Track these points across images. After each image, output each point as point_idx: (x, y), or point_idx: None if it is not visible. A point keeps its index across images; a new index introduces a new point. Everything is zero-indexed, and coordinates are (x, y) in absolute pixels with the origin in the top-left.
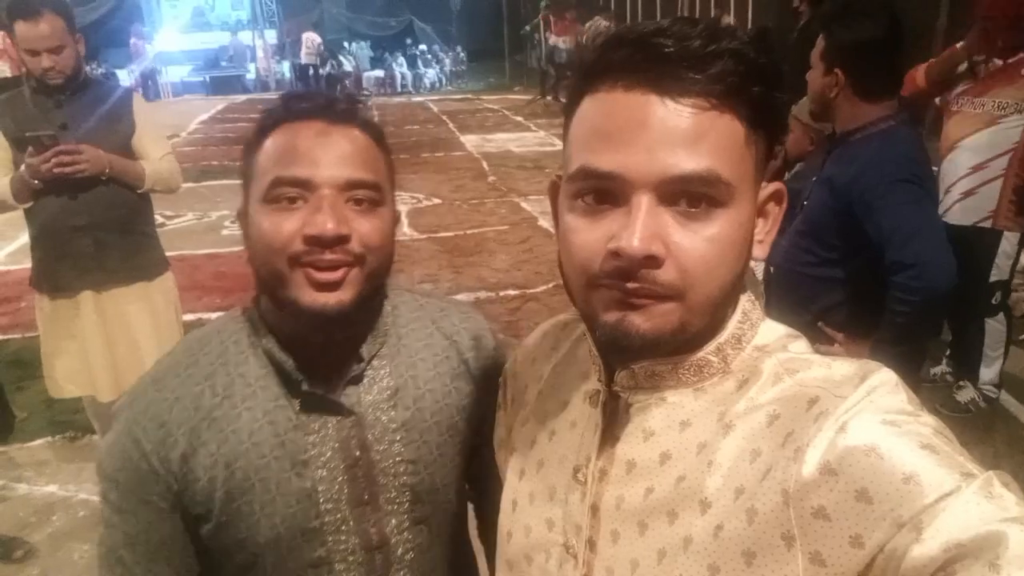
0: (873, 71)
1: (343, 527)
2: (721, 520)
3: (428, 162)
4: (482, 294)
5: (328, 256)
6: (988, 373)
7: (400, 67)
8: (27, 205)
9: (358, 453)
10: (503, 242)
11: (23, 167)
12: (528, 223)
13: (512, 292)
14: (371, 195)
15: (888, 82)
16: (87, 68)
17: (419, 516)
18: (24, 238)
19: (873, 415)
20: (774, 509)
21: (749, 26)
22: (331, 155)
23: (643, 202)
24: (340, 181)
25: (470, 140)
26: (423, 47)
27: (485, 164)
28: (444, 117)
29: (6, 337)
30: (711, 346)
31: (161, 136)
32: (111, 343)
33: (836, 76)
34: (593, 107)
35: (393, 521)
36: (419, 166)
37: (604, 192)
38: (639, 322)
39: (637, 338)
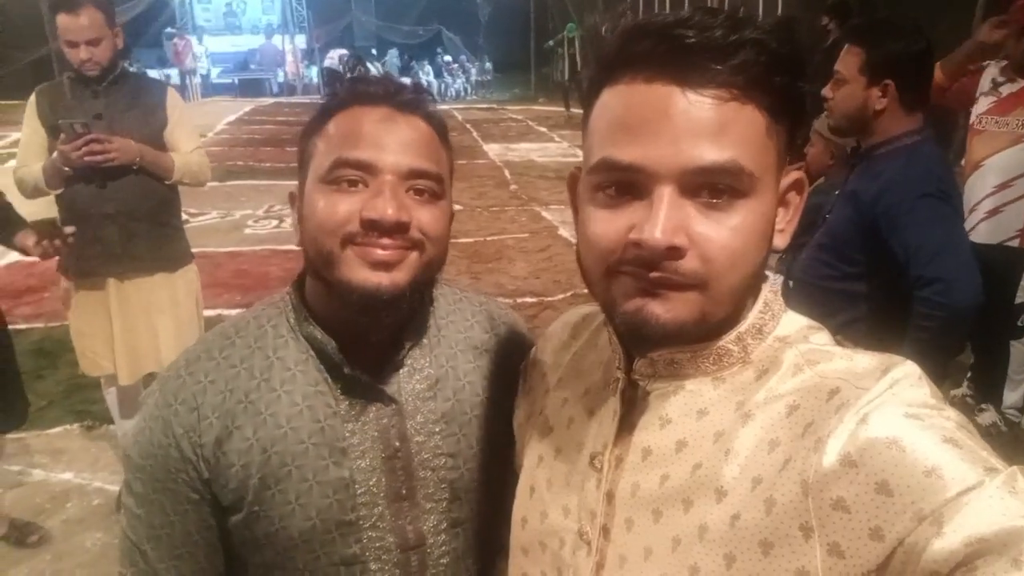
0: (922, 81)
1: (379, 523)
2: (738, 509)
3: None
4: (500, 301)
5: (385, 241)
6: (1012, 396)
7: (427, 76)
8: (58, 191)
9: (397, 444)
10: (523, 250)
11: (55, 153)
12: (548, 232)
13: (530, 300)
14: (432, 186)
15: (928, 92)
16: (124, 63)
17: (456, 517)
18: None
19: (896, 407)
20: (793, 500)
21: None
22: (396, 142)
23: (665, 194)
24: (403, 168)
25: (493, 149)
26: (450, 57)
27: (507, 173)
28: (468, 126)
29: (29, 326)
30: (731, 335)
31: (193, 131)
32: (131, 329)
33: (887, 87)
34: (614, 99)
35: (431, 520)
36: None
37: (626, 184)
38: (660, 311)
39: (657, 327)
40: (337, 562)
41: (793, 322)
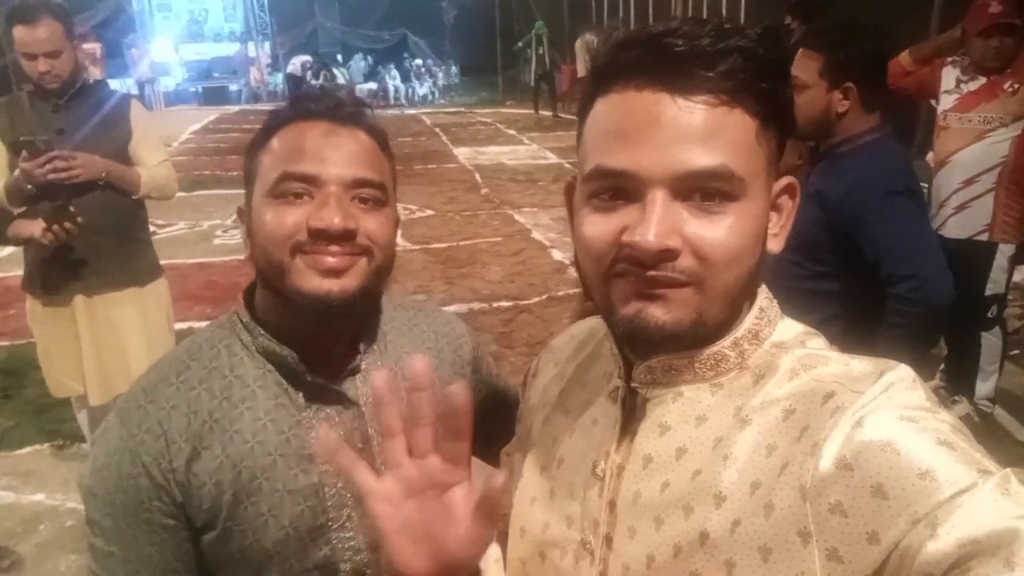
0: (881, 80)
1: (348, 524)
2: (738, 515)
3: (421, 174)
4: (475, 305)
5: (333, 248)
6: (984, 388)
7: (393, 80)
8: (21, 210)
9: (360, 445)
10: (496, 254)
11: (17, 171)
12: (521, 235)
13: (505, 304)
14: (376, 194)
15: (887, 90)
16: (84, 75)
17: None
18: (12, 247)
19: (890, 411)
20: (791, 504)
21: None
22: (339, 154)
23: (657, 197)
24: (347, 179)
25: (463, 153)
26: (417, 61)
27: (478, 176)
28: (437, 130)
29: None
30: (727, 340)
31: (159, 143)
32: (101, 348)
33: (848, 90)
34: (606, 108)
35: None
36: (412, 178)
37: (619, 190)
38: (658, 314)
39: (656, 330)
40: (310, 568)
41: (789, 328)
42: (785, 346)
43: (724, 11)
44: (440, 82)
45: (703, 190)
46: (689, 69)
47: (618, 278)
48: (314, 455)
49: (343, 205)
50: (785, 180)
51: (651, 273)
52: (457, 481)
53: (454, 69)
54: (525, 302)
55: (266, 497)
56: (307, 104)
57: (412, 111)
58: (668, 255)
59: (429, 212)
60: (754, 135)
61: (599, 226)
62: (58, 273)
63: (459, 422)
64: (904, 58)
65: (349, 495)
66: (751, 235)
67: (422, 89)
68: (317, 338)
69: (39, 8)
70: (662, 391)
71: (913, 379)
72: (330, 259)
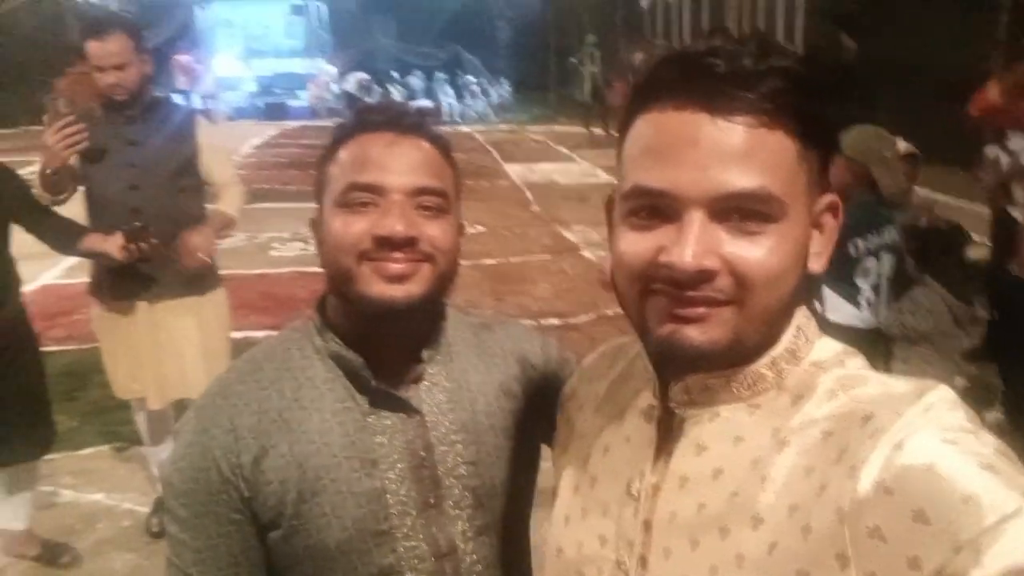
0: None
1: (412, 532)
2: (776, 537)
3: (472, 190)
4: (524, 322)
5: (397, 255)
6: None
7: (447, 97)
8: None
9: (423, 453)
10: (545, 271)
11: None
12: (571, 253)
13: (554, 321)
14: (438, 202)
15: None
16: (152, 89)
17: (481, 525)
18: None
19: (931, 433)
20: (829, 527)
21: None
22: (401, 163)
23: (695, 218)
24: (409, 187)
25: (514, 170)
26: (470, 78)
27: (529, 193)
28: (489, 147)
29: (61, 348)
30: (765, 359)
31: (227, 159)
32: (160, 352)
33: None
34: (645, 127)
35: (459, 527)
36: (463, 194)
37: (656, 209)
38: (694, 334)
39: (691, 349)
40: (375, 572)
41: (828, 347)
42: (824, 365)
43: (780, 27)
44: (493, 99)
45: (742, 211)
46: (729, 89)
47: (654, 296)
48: (378, 460)
49: (406, 213)
50: (828, 198)
51: (689, 293)
52: None
53: (507, 86)
54: (574, 320)
55: (329, 497)
56: (371, 116)
57: (465, 128)
58: (705, 276)
59: (479, 228)
60: (795, 156)
61: (636, 244)
62: (124, 280)
63: None
64: (992, 89)
65: (412, 503)
66: (791, 256)
67: (475, 106)
68: (382, 343)
69: (110, 23)
70: (699, 411)
71: (954, 400)
72: (394, 266)
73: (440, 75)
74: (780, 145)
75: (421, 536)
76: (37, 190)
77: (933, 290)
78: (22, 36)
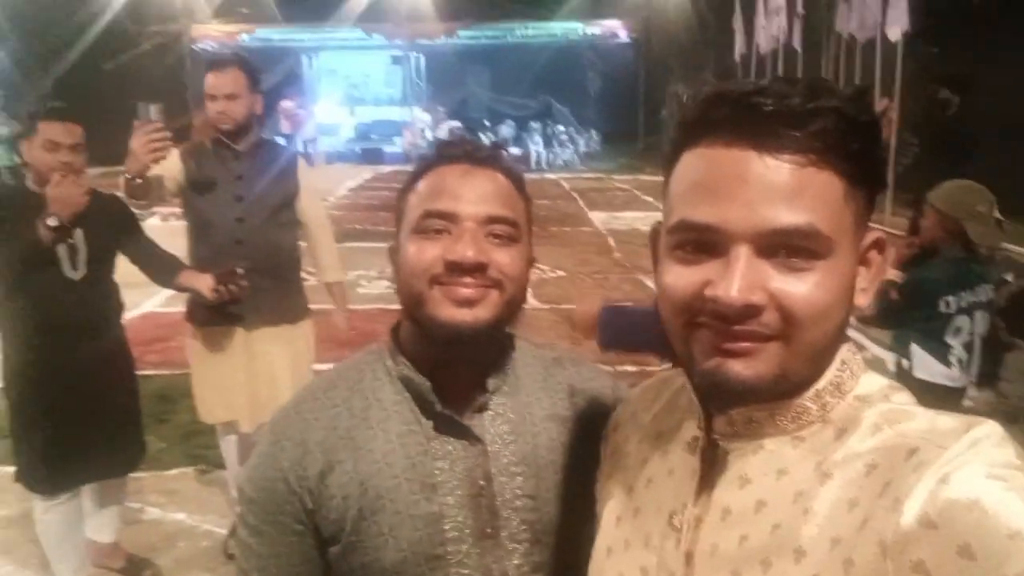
0: None
1: (466, 560)
2: (818, 570)
3: (555, 236)
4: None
5: (467, 280)
6: None
7: (536, 146)
8: (142, 203)
9: (482, 483)
10: None
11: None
12: (651, 301)
13: (630, 368)
14: (508, 230)
15: None
16: (260, 130)
17: (538, 561)
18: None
19: (978, 468)
20: (871, 561)
21: (898, 112)
22: (474, 192)
23: (742, 253)
24: (481, 215)
25: (598, 217)
26: (560, 127)
27: (611, 240)
28: (574, 194)
29: (156, 372)
30: (809, 392)
31: (320, 201)
32: (254, 378)
33: None
34: (693, 162)
35: (515, 560)
36: (546, 239)
37: (703, 244)
38: (739, 368)
39: (737, 383)
40: None
41: (873, 382)
42: (869, 400)
43: (878, 76)
44: (581, 148)
45: (788, 247)
46: (778, 128)
47: (699, 329)
48: (437, 485)
49: (477, 240)
50: (874, 235)
51: (735, 328)
52: None
53: (595, 136)
54: (650, 368)
55: (388, 517)
56: (448, 149)
57: (552, 175)
58: (752, 311)
59: (560, 273)
60: (842, 195)
61: (682, 278)
62: (220, 308)
63: None
64: None
65: (468, 531)
66: (837, 292)
67: (563, 154)
68: (449, 368)
69: (229, 58)
70: (743, 444)
71: (1002, 436)
72: (463, 291)
73: (530, 124)
74: (828, 183)
75: (475, 565)
76: (120, 194)
77: None
78: (144, 81)
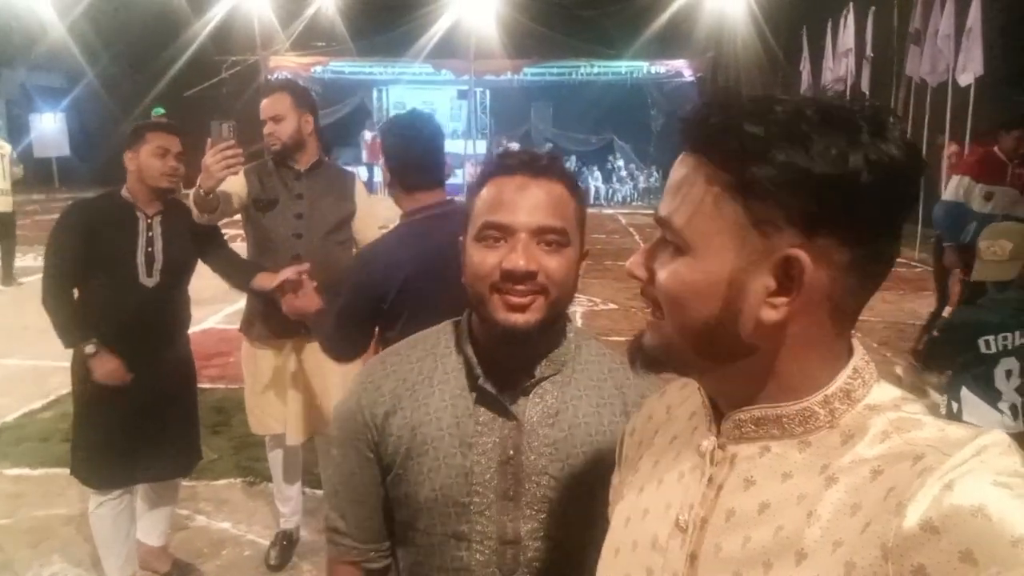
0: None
1: (487, 512)
2: (818, 572)
3: (610, 269)
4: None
5: (519, 287)
6: None
7: (596, 181)
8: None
9: (512, 453)
10: None
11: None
12: None
13: None
14: (558, 238)
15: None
16: (320, 154)
17: (553, 534)
18: (241, 303)
19: (983, 475)
20: (872, 564)
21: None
22: (528, 205)
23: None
24: (533, 227)
25: None
26: (620, 163)
27: None
28: (631, 229)
29: (213, 386)
30: (817, 397)
31: (375, 223)
32: (305, 390)
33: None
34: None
35: (529, 525)
36: (601, 272)
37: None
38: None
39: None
40: (449, 534)
41: (885, 392)
42: (879, 408)
43: (947, 120)
44: (640, 184)
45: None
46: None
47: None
48: (473, 444)
49: (529, 249)
50: (785, 252)
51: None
52: None
53: (655, 173)
54: None
55: (428, 461)
56: (507, 160)
57: (610, 211)
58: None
59: (612, 306)
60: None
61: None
62: (275, 320)
63: None
64: None
65: (492, 490)
66: (693, 284)
67: (622, 191)
68: (503, 355)
69: (276, 84)
70: (749, 446)
71: (1009, 444)
72: (516, 299)
73: (592, 160)
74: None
75: (493, 519)
76: (192, 208)
77: None
78: (221, 108)
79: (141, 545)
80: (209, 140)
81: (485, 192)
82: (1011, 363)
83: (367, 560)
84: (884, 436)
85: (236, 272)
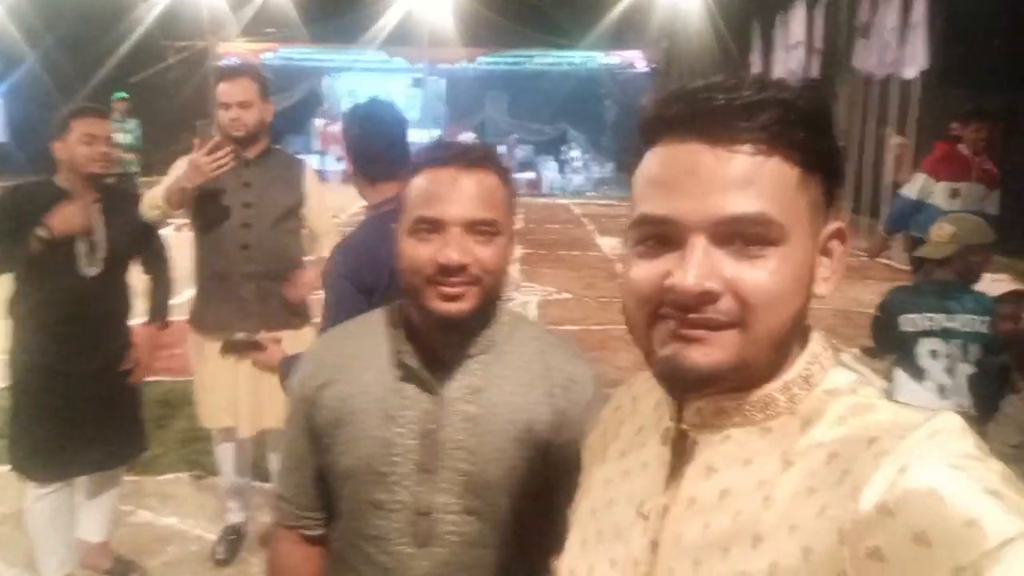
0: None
1: (404, 482)
2: (776, 557)
3: (563, 259)
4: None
5: (453, 279)
6: None
7: (550, 171)
8: (157, 213)
9: (432, 427)
10: (627, 341)
11: (178, 178)
12: None
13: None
14: (489, 229)
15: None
16: (269, 140)
17: (470, 506)
18: (186, 294)
19: (937, 458)
20: (829, 548)
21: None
22: (459, 197)
23: (698, 243)
24: (466, 219)
25: (607, 242)
26: (574, 154)
27: (619, 266)
28: (584, 219)
29: (157, 379)
30: (777, 383)
31: (327, 211)
32: (255, 383)
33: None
34: (651, 160)
35: (444, 498)
36: (554, 262)
37: (662, 237)
38: (696, 356)
39: (693, 370)
40: (370, 502)
41: (842, 376)
42: (836, 393)
43: (895, 109)
44: (594, 175)
45: (743, 235)
46: (727, 120)
47: (660, 321)
48: (395, 417)
49: (461, 243)
50: (835, 225)
51: (691, 316)
52: None
53: (609, 164)
54: None
55: (354, 430)
56: (439, 152)
57: (564, 200)
58: (708, 297)
59: (566, 295)
60: (795, 183)
61: (643, 271)
62: (228, 312)
63: None
64: None
65: (411, 462)
66: (793, 278)
67: (576, 180)
68: (433, 339)
69: (240, 69)
70: (711, 434)
71: (962, 427)
72: (450, 290)
73: (546, 150)
74: (778, 172)
75: (410, 490)
76: (157, 204)
77: None
78: (168, 94)
79: (81, 543)
80: (195, 141)
81: (417, 184)
82: (935, 343)
83: (303, 527)
84: (841, 420)
85: (157, 288)
